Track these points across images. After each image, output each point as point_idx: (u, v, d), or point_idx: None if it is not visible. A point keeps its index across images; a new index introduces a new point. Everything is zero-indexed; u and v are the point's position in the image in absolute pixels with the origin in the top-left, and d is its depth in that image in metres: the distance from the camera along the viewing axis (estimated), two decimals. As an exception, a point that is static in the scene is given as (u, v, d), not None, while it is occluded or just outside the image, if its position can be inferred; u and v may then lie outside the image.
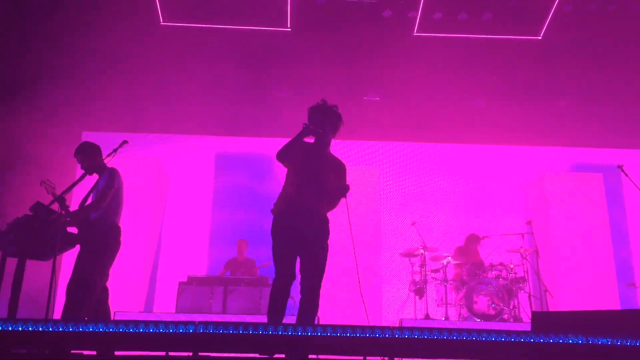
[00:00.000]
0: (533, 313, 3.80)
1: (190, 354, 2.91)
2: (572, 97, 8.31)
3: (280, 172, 8.51)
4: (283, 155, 3.90)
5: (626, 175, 5.11)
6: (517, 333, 2.95)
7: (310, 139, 4.05)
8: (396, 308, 7.16)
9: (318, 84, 8.17)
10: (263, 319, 5.71)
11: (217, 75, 8.02)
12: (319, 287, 3.82)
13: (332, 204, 3.99)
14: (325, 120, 4.01)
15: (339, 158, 4.18)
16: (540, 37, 7.48)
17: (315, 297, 3.79)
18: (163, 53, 7.53)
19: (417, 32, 7.42)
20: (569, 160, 8.96)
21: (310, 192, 3.88)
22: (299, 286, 3.85)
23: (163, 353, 2.98)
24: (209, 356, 2.95)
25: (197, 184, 8.70)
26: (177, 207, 8.58)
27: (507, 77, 7.99)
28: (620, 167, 5.17)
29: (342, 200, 3.98)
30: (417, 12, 7.26)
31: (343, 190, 3.92)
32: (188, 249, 8.35)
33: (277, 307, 3.78)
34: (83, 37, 7.14)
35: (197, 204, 8.62)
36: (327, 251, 3.88)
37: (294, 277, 3.83)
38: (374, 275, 7.73)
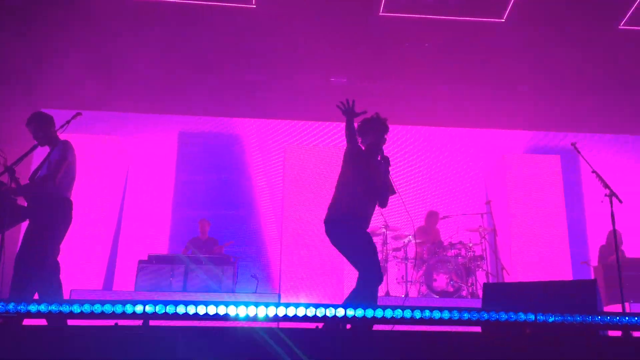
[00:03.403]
0: (484, 285, 3.90)
1: (141, 322, 2.89)
2: (533, 81, 8.44)
3: (246, 150, 8.52)
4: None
5: (578, 152, 5.20)
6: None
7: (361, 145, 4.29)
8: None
9: (284, 64, 8.11)
10: (223, 297, 5.71)
11: (181, 53, 7.88)
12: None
13: (382, 204, 4.31)
14: (381, 130, 4.29)
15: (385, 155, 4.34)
16: (504, 20, 7.57)
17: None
18: (124, 29, 7.35)
19: (382, 12, 7.43)
20: (528, 142, 9.14)
21: (363, 201, 4.21)
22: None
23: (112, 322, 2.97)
24: (159, 326, 2.94)
25: (159, 163, 8.55)
26: (138, 186, 8.43)
27: (470, 60, 8.05)
28: (573, 144, 5.25)
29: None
30: (383, -8, 7.25)
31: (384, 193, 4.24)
32: (149, 227, 8.23)
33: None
34: (45, 8, 6.93)
35: (158, 182, 8.48)
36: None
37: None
38: (337, 253, 7.76)
